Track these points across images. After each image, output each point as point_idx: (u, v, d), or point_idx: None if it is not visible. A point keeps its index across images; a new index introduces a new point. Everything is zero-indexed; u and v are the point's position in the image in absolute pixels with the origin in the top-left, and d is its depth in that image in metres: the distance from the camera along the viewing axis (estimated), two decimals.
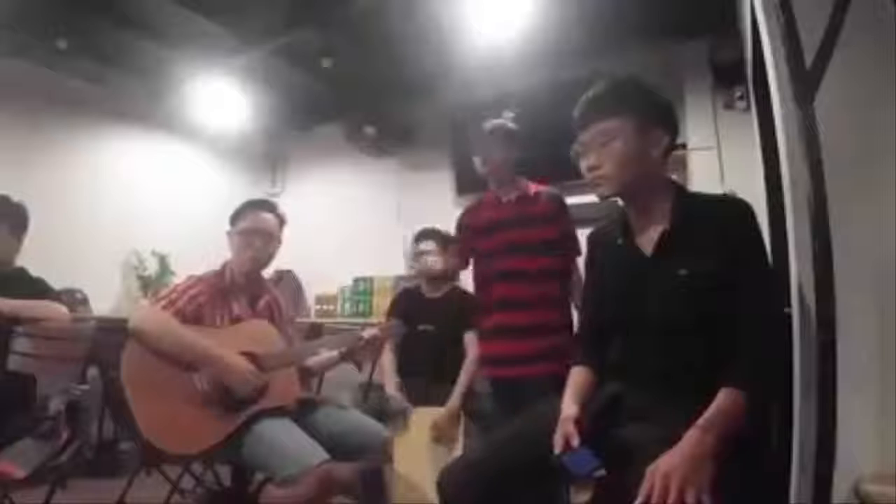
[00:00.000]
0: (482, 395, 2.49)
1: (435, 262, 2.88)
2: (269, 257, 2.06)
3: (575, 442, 1.17)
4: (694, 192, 1.41)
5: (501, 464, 1.30)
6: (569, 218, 2.28)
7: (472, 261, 2.43)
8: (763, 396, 1.12)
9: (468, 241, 2.40)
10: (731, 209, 1.26)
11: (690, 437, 1.05)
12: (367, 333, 2.05)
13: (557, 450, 1.19)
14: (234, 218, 2.05)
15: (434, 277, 2.91)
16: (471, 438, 2.49)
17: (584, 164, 1.32)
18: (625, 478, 1.08)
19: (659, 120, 1.28)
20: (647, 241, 1.30)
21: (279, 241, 2.09)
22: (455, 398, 2.56)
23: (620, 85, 1.31)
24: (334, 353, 2.07)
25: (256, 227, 2.01)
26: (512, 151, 2.26)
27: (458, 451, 2.46)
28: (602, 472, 1.11)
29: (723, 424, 1.06)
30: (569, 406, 1.27)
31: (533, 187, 2.29)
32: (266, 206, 2.11)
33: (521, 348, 2.12)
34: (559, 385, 1.37)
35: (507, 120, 2.33)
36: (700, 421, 1.07)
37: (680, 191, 1.33)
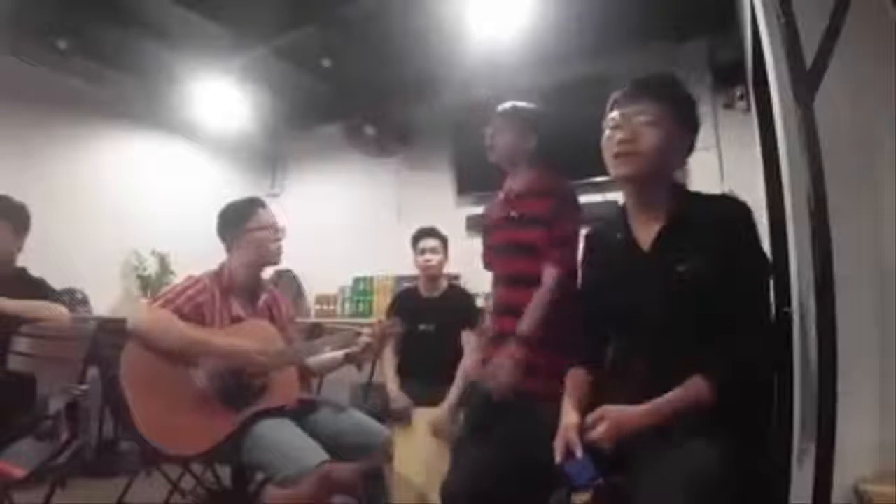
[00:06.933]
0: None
1: (432, 259, 2.89)
2: (280, 251, 2.08)
3: (578, 451, 1.17)
4: (693, 190, 1.42)
5: (501, 473, 1.30)
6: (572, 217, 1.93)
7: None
8: (732, 393, 1.13)
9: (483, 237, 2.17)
10: (729, 208, 1.27)
11: (649, 407, 1.14)
12: (367, 336, 2.04)
13: (559, 458, 1.19)
14: (240, 219, 2.03)
15: (433, 276, 2.91)
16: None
17: (614, 137, 1.27)
18: (625, 481, 1.08)
19: (693, 123, 1.32)
20: (646, 236, 1.30)
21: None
22: (452, 397, 2.56)
23: (668, 77, 1.34)
24: (338, 354, 2.08)
25: (268, 222, 2.04)
26: (525, 138, 1.98)
27: None
28: (601, 480, 1.12)
29: (680, 408, 1.12)
30: (569, 413, 1.26)
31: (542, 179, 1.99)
32: (263, 202, 2.12)
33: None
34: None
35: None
36: (661, 399, 1.13)
37: (680, 189, 1.35)
